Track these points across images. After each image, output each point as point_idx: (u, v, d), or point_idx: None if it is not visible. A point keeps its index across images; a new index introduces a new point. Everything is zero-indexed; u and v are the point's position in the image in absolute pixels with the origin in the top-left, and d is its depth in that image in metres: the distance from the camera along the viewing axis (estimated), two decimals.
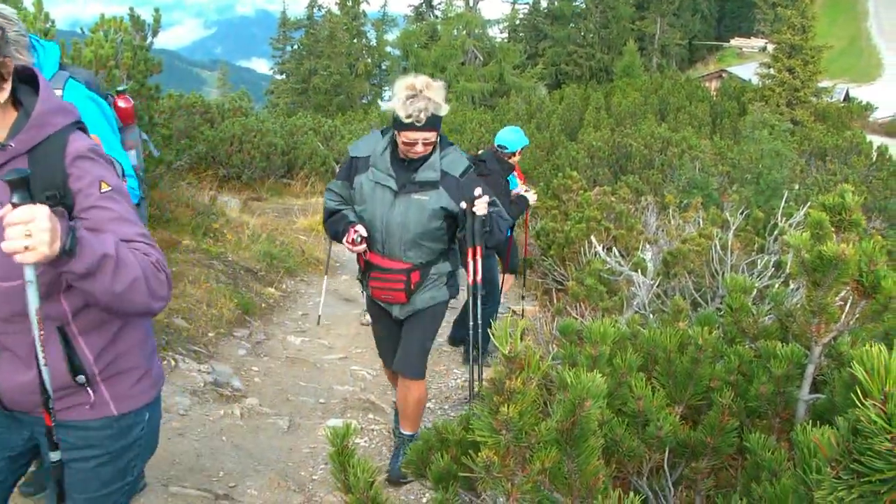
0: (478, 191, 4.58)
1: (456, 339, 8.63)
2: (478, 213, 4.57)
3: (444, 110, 4.61)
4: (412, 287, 4.93)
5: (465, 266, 4.98)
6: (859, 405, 1.44)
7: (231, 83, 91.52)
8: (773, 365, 3.00)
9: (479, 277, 4.94)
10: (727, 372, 3.17)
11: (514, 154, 7.58)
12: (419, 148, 4.64)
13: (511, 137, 7.63)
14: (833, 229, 3.07)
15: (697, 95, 45.49)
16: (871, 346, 1.46)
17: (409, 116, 4.48)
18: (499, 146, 7.57)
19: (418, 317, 5.12)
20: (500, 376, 2.03)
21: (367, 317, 5.71)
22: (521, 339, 2.03)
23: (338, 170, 5.31)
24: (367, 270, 5.03)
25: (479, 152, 7.91)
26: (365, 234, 4.70)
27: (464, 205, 4.63)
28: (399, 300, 5.00)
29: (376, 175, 4.79)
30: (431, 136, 4.62)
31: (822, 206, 3.17)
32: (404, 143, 4.65)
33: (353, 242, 4.68)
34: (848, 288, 2.97)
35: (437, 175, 4.76)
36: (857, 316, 3.05)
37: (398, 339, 5.26)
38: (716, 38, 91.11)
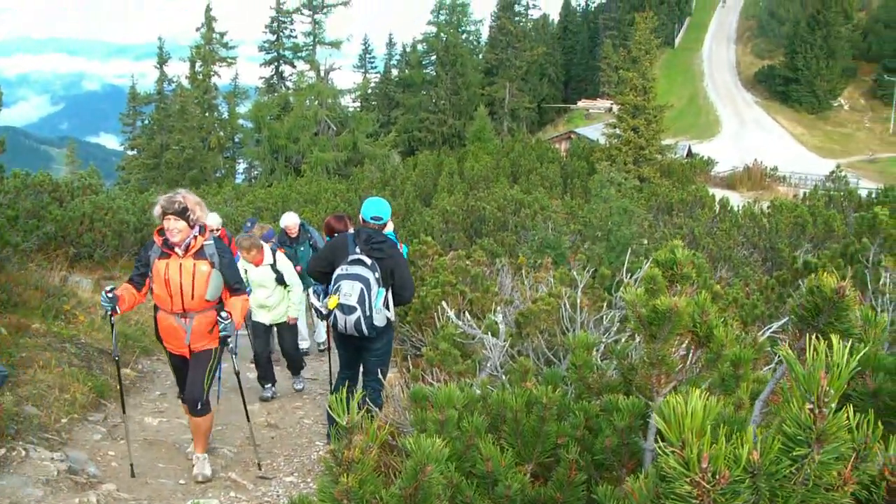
0: None
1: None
2: None
3: None
4: None
5: None
6: (660, 452, 1.56)
7: (80, 160, 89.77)
8: (616, 418, 3.12)
9: None
10: (573, 427, 3.28)
11: (385, 224, 7.49)
12: None
13: (384, 208, 7.46)
14: (667, 283, 3.23)
15: (548, 157, 47.07)
16: (673, 396, 1.58)
17: None
18: (373, 218, 7.36)
19: None
20: (339, 447, 2.07)
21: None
22: (361, 409, 2.09)
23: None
24: None
25: (354, 231, 7.52)
26: None
27: None
28: None
29: None
30: None
31: (655, 262, 3.33)
32: None
33: None
34: (687, 339, 3.12)
35: None
36: (698, 364, 3.22)
37: None
38: (563, 100, 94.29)
